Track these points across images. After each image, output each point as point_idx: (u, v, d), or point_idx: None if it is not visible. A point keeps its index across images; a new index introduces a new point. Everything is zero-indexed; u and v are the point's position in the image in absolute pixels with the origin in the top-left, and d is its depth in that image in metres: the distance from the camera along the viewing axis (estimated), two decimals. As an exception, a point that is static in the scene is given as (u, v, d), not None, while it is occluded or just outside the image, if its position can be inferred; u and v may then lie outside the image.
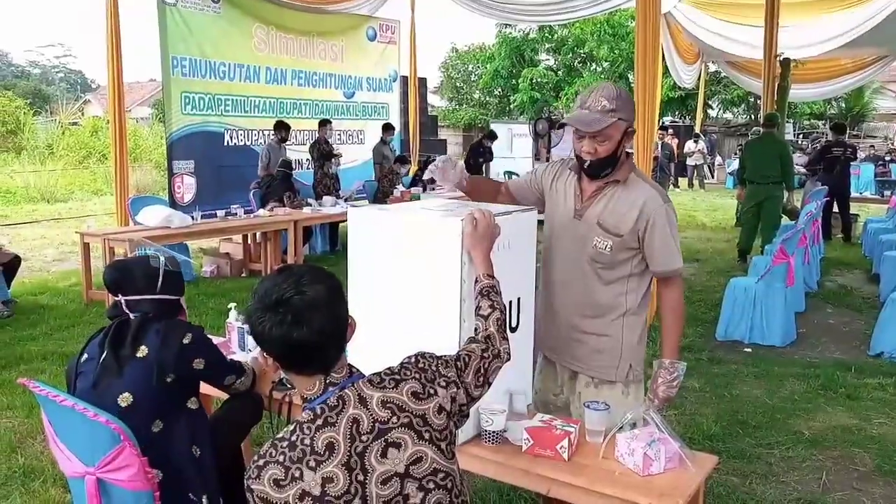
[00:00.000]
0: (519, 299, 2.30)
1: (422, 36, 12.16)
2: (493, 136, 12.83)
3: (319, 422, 1.41)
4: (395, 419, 1.44)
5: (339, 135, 11.17)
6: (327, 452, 1.39)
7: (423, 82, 13.64)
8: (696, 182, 19.18)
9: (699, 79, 17.30)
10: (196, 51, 8.89)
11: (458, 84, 33.98)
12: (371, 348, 2.30)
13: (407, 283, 2.18)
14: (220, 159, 9.25)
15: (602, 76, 26.36)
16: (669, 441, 2.03)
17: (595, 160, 2.24)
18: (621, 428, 2.12)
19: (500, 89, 30.06)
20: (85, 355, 2.33)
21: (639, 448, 2.01)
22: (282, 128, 8.89)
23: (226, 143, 9.44)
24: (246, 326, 3.07)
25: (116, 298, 2.37)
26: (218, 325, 4.56)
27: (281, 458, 1.39)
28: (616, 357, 2.39)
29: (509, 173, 13.56)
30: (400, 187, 10.05)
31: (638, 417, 2.16)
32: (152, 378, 2.19)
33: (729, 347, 5.40)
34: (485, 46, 31.44)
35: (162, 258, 2.40)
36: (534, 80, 26.84)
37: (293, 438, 1.41)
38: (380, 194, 9.73)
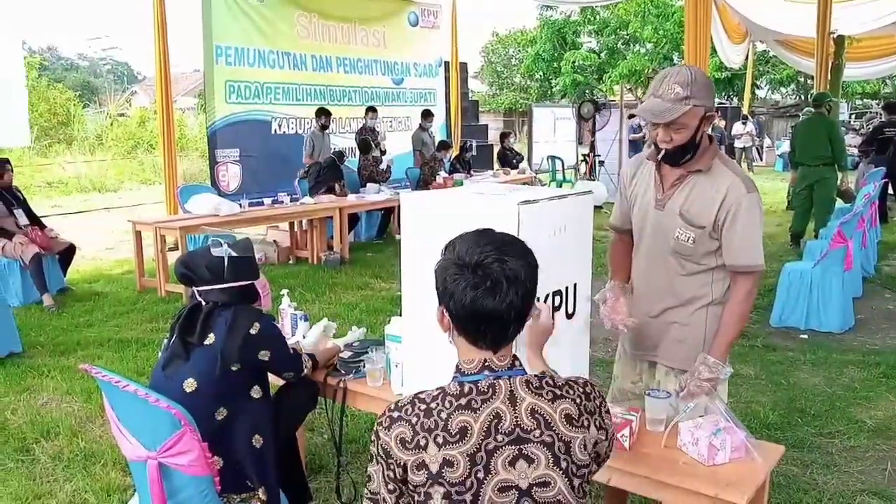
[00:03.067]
0: (575, 285, 2.26)
1: (462, 21, 12.09)
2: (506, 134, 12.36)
3: (462, 401, 1.38)
4: (537, 432, 1.37)
5: (390, 122, 11.19)
6: (458, 436, 1.35)
7: (464, 67, 13.53)
8: (744, 165, 18.74)
9: (747, 59, 16.86)
10: (242, 39, 8.96)
11: (498, 69, 33.75)
12: (425, 336, 2.30)
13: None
14: (267, 147, 9.32)
15: (646, 58, 25.87)
16: (735, 430, 1.98)
17: (671, 149, 2.16)
18: (684, 416, 2.07)
19: (541, 73, 29.73)
20: (165, 339, 2.38)
21: (703, 437, 1.96)
22: (322, 115, 8.93)
23: (273, 132, 9.51)
24: (297, 314, 3.11)
25: (192, 289, 2.40)
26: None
27: (414, 420, 1.37)
28: (698, 347, 2.26)
29: (552, 158, 13.44)
30: (442, 173, 10.03)
31: (701, 407, 2.10)
32: (216, 366, 2.22)
33: (784, 334, 5.26)
34: (526, 30, 31.14)
35: (226, 246, 2.40)
36: (576, 63, 26.49)
37: (432, 405, 1.38)
38: (422, 182, 9.72)
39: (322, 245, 8.02)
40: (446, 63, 12.52)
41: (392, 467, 1.38)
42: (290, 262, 7.98)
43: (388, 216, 9.50)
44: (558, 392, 1.41)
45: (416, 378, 2.40)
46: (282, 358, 2.41)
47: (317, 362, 2.67)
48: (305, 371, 2.55)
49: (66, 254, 6.55)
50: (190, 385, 2.21)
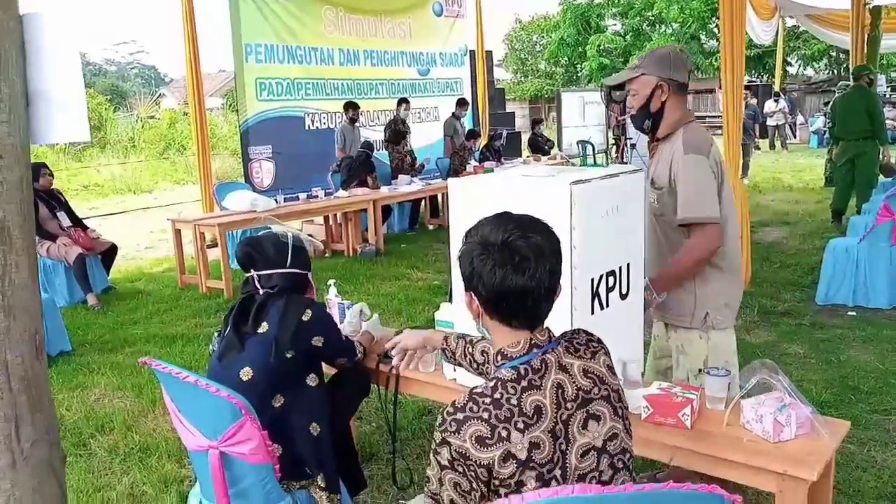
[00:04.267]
0: (628, 265, 2.24)
1: (485, 8, 12.02)
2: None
3: (524, 383, 1.38)
4: (596, 390, 1.41)
5: (417, 113, 11.19)
6: (536, 416, 1.35)
7: (489, 55, 13.45)
8: (777, 143, 18.42)
9: (777, 35, 16.52)
10: (272, 36, 9.00)
11: (522, 56, 33.53)
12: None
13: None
14: (300, 143, 9.37)
15: (672, 38, 25.52)
16: (800, 406, 1.94)
17: (633, 113, 2.53)
18: (746, 394, 2.04)
19: (566, 58, 29.49)
20: (215, 332, 2.42)
21: (767, 414, 1.93)
22: (350, 108, 8.95)
23: (306, 127, 9.57)
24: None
25: (249, 274, 2.42)
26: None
27: (485, 415, 1.34)
28: (690, 305, 2.50)
29: (582, 143, 13.31)
30: (472, 162, 10.01)
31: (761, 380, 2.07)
32: (272, 354, 2.24)
33: (831, 311, 5.16)
34: (549, 16, 30.88)
35: (289, 234, 2.45)
36: (601, 47, 26.24)
37: (496, 396, 1.37)
38: (452, 172, 9.71)
39: (357, 237, 8.06)
40: (471, 52, 12.47)
41: (472, 469, 1.33)
42: (327, 255, 8.03)
43: (417, 207, 9.52)
44: (593, 347, 1.48)
45: (469, 363, 2.40)
46: (334, 343, 2.43)
47: (364, 349, 2.68)
48: (359, 356, 2.57)
49: (109, 254, 6.67)
50: (246, 374, 2.24)
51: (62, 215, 6.39)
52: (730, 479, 1.92)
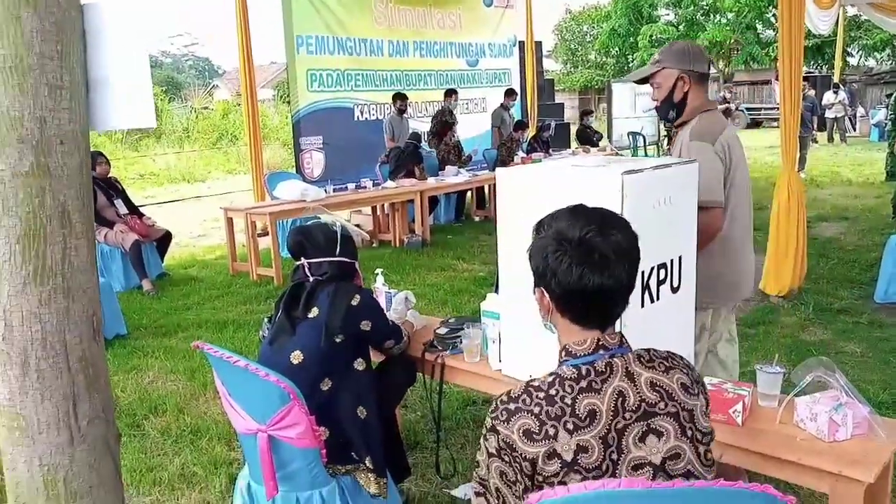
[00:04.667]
0: (680, 258, 2.20)
1: (536, -1, 11.91)
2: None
3: (583, 384, 1.34)
4: (662, 404, 1.34)
5: (466, 104, 11.17)
6: (588, 419, 1.31)
7: (538, 46, 13.34)
8: (836, 136, 17.85)
9: (836, 24, 15.96)
10: (322, 28, 9.08)
11: (572, 46, 33.15)
12: (523, 311, 2.28)
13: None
14: (350, 134, 9.44)
15: (727, 28, 24.92)
16: (857, 405, 1.88)
17: (657, 105, 2.68)
18: (800, 392, 1.99)
19: (617, 49, 29.06)
20: (265, 318, 2.48)
21: (823, 413, 1.87)
22: (399, 99, 8.97)
23: (355, 118, 9.63)
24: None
25: (299, 262, 2.46)
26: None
27: (536, 410, 1.32)
28: (714, 279, 2.53)
29: (633, 134, 13.14)
30: (520, 153, 9.95)
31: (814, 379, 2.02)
32: (322, 338, 2.29)
33: (890, 310, 4.98)
34: (600, 6, 30.46)
35: (338, 223, 2.49)
36: (653, 37, 25.75)
37: (551, 392, 1.34)
38: (499, 162, 9.66)
39: (404, 228, 8.10)
40: (521, 43, 12.38)
41: (518, 461, 1.32)
42: (374, 245, 8.09)
43: (463, 198, 9.51)
44: (668, 363, 1.39)
45: (514, 353, 2.39)
46: (382, 328, 2.47)
47: (409, 336, 2.71)
48: (405, 340, 2.59)
49: (163, 241, 6.84)
50: (296, 357, 2.28)
51: (119, 203, 6.58)
52: (781, 479, 1.88)
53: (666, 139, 12.22)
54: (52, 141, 1.38)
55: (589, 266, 1.33)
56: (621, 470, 1.31)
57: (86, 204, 1.45)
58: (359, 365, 2.39)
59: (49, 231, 1.39)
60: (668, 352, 1.44)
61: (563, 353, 1.41)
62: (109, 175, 6.69)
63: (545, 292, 1.41)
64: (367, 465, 2.27)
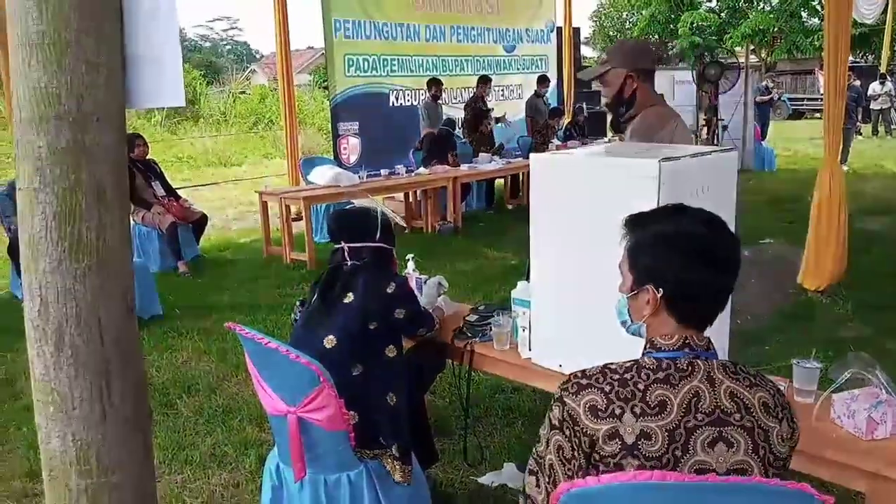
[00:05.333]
0: (717, 248, 2.15)
1: (575, -15, 11.76)
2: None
3: (660, 375, 1.34)
4: (738, 416, 1.31)
5: (502, 90, 11.08)
6: (657, 409, 1.30)
7: (576, 32, 13.16)
8: (881, 128, 17.37)
9: (884, 13, 15.50)
10: (359, 12, 9.06)
11: (611, 33, 32.72)
12: (555, 299, 2.26)
13: (597, 231, 2.09)
14: (385, 119, 9.42)
15: (771, 16, 24.32)
16: (898, 403, 1.83)
17: (608, 102, 2.84)
18: (838, 388, 1.94)
19: (656, 36, 28.56)
20: (298, 301, 2.51)
21: (861, 410, 1.82)
22: (434, 85, 8.93)
23: (390, 104, 9.62)
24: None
25: (339, 246, 2.47)
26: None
27: (607, 389, 1.33)
28: None
29: (670, 124, 12.89)
30: (555, 141, 9.85)
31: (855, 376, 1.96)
32: (356, 323, 2.30)
33: (936, 306, 4.85)
34: (640, -8, 29.91)
35: (380, 209, 2.49)
36: (694, 25, 25.24)
37: (626, 376, 1.34)
38: (533, 150, 9.58)
39: (436, 215, 8.09)
40: (558, 29, 12.24)
41: (578, 436, 1.33)
42: (406, 231, 8.09)
43: (492, 186, 9.46)
44: (754, 380, 1.37)
45: (545, 342, 2.37)
46: (415, 316, 2.47)
47: (439, 323, 2.70)
48: (437, 327, 2.59)
49: (199, 223, 6.92)
50: (330, 341, 2.29)
51: (157, 185, 6.67)
52: (816, 477, 1.83)
53: (705, 128, 11.98)
54: (89, 118, 1.39)
55: (719, 264, 1.37)
56: (683, 469, 1.29)
57: (121, 181, 1.46)
58: (390, 352, 2.39)
59: (84, 208, 1.40)
60: (758, 371, 1.42)
61: (648, 346, 1.42)
62: (148, 157, 6.78)
63: (652, 290, 1.40)
64: (394, 452, 2.27)
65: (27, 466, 3.14)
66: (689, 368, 1.34)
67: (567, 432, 1.34)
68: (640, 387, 1.32)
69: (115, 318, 1.48)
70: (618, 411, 1.30)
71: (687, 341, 1.38)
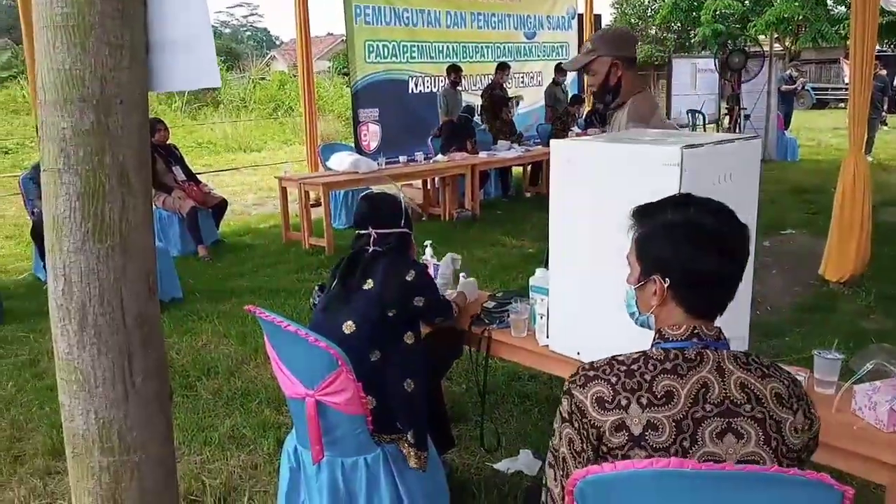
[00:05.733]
0: (739, 237, 2.13)
1: (597, -29, 11.64)
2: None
3: (668, 365, 1.33)
4: (748, 406, 1.30)
5: (522, 77, 11.02)
6: (664, 399, 1.30)
7: (597, 19, 13.04)
8: (908, 118, 17.07)
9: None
10: (381, -2, 9.03)
11: (632, 20, 32.36)
12: (573, 287, 2.25)
13: (616, 219, 2.07)
14: (405, 106, 9.40)
15: (796, 3, 23.93)
16: (921, 396, 1.81)
17: (594, 90, 2.90)
18: (859, 379, 1.92)
19: (679, 23, 28.25)
20: (316, 286, 2.51)
21: (883, 401, 1.81)
22: (453, 72, 8.89)
23: (410, 91, 9.60)
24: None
25: (364, 231, 2.48)
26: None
27: (614, 380, 1.33)
28: None
29: (692, 112, 12.80)
30: (575, 129, 9.79)
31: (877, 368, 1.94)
32: (375, 310, 2.31)
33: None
34: (663, -21, 29.55)
35: (400, 194, 2.50)
36: (717, 12, 24.92)
37: (633, 367, 1.34)
38: (553, 138, 9.53)
39: (454, 202, 8.09)
40: (580, 16, 12.14)
41: (586, 428, 1.33)
42: (424, 218, 8.10)
43: (509, 174, 9.42)
44: (766, 371, 1.35)
45: (562, 330, 2.37)
46: (434, 304, 2.48)
47: (458, 309, 2.71)
48: (455, 315, 2.60)
49: (219, 208, 6.98)
50: (349, 327, 2.30)
51: (177, 170, 6.72)
52: (835, 468, 1.82)
53: (727, 117, 11.85)
54: (112, 100, 1.40)
55: (726, 254, 1.36)
56: (691, 459, 1.28)
57: (143, 164, 1.48)
58: (408, 338, 2.40)
59: (108, 189, 1.41)
60: (772, 361, 1.40)
61: (657, 336, 1.41)
62: (168, 142, 6.83)
63: (659, 280, 1.39)
64: (409, 438, 2.29)
65: (50, 445, 3.20)
66: (698, 359, 1.33)
67: (576, 424, 1.34)
68: (647, 377, 1.32)
69: (137, 299, 1.50)
70: (624, 402, 1.30)
71: (696, 331, 1.37)
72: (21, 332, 4.64)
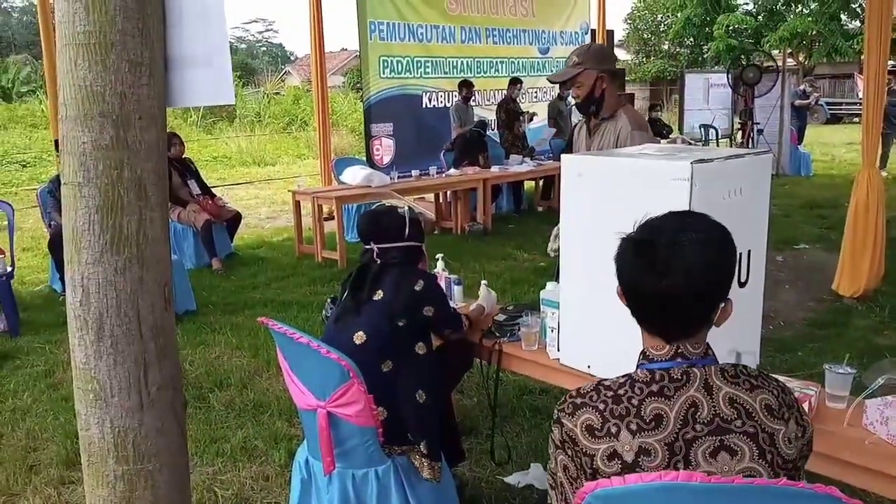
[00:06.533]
0: (749, 252, 2.14)
1: (609, -13, 11.70)
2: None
3: (654, 388, 1.30)
4: (739, 422, 1.27)
5: (535, 92, 11.08)
6: (653, 423, 1.28)
7: (610, 35, 13.09)
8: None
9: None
10: (394, 14, 9.11)
11: (645, 36, 32.45)
12: (584, 301, 2.26)
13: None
14: (419, 121, 9.46)
15: (809, 19, 23.93)
16: (933, 411, 1.80)
17: (578, 102, 3.06)
18: (870, 394, 1.92)
19: (691, 38, 28.29)
20: (329, 298, 2.53)
21: (894, 416, 1.80)
22: (465, 87, 8.95)
23: (424, 105, 9.66)
24: (453, 276, 3.15)
25: (368, 247, 2.51)
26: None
27: (601, 406, 1.31)
28: None
29: (705, 126, 12.79)
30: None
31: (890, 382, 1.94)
32: (384, 320, 2.32)
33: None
34: (675, -6, 29.63)
35: (406, 207, 2.53)
36: (730, 27, 24.95)
37: (620, 392, 1.32)
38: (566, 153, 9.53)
39: (466, 216, 8.11)
40: (592, 31, 12.19)
41: (579, 456, 1.31)
42: (436, 232, 8.13)
43: (521, 188, 9.44)
44: (755, 382, 1.32)
45: (573, 343, 2.37)
46: (444, 315, 2.49)
47: (470, 323, 2.72)
48: (464, 329, 2.61)
49: (233, 221, 7.03)
50: (359, 338, 2.32)
51: (192, 183, 6.79)
52: (846, 483, 1.81)
53: (739, 132, 11.83)
54: (132, 116, 1.43)
55: (645, 268, 1.30)
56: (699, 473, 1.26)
57: (161, 178, 1.51)
58: (419, 349, 2.41)
59: (126, 202, 1.45)
60: (759, 371, 1.38)
61: (641, 357, 1.39)
62: (184, 156, 6.90)
63: (623, 295, 1.39)
64: (422, 449, 2.29)
65: (64, 455, 3.23)
66: (685, 378, 1.31)
67: (569, 452, 1.33)
68: (634, 402, 1.30)
69: (153, 310, 1.53)
70: (613, 430, 1.28)
71: (679, 350, 1.34)
72: (37, 343, 4.69)
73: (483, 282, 3.06)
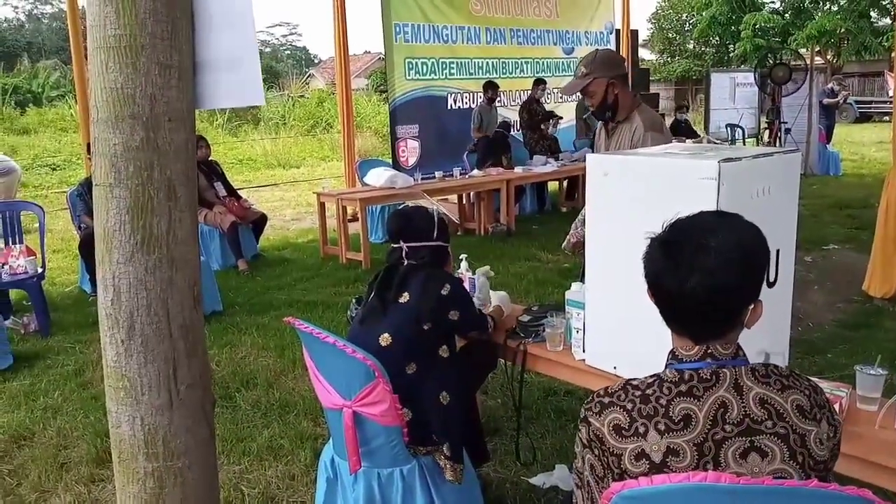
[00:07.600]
0: (778, 251, 2.11)
1: (633, -13, 11.64)
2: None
3: (683, 388, 1.29)
4: (769, 423, 1.26)
5: (560, 93, 11.05)
6: (682, 423, 1.27)
7: (634, 35, 13.01)
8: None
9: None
10: (419, 16, 9.13)
11: (670, 35, 32.20)
12: (609, 302, 2.25)
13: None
14: (444, 122, 9.48)
15: (838, 16, 23.56)
16: (968, 413, 1.76)
17: (594, 110, 3.12)
18: (903, 396, 1.88)
19: (717, 38, 28.02)
20: (353, 299, 2.54)
21: (928, 419, 1.77)
22: (490, 88, 8.94)
23: (448, 107, 9.67)
24: (471, 274, 3.15)
25: (397, 245, 2.52)
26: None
27: (629, 406, 1.31)
28: None
29: (731, 126, 12.65)
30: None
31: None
32: (410, 323, 2.33)
33: None
34: (701, -7, 29.36)
35: (434, 207, 2.54)
36: (757, 26, 24.66)
37: (648, 392, 1.31)
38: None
39: (489, 217, 8.11)
40: (616, 31, 12.13)
41: (606, 455, 1.31)
42: (459, 233, 8.14)
43: (545, 189, 9.41)
44: (786, 382, 1.30)
45: (599, 344, 2.36)
46: (469, 318, 2.49)
47: (494, 323, 2.72)
48: (490, 329, 2.61)
49: (259, 223, 7.10)
50: (385, 339, 2.33)
51: (219, 185, 6.87)
52: (878, 486, 1.78)
53: (766, 132, 11.68)
54: (161, 118, 1.45)
55: (670, 270, 1.30)
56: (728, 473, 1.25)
57: (190, 179, 1.53)
58: (443, 352, 2.41)
59: (156, 203, 1.47)
60: (791, 370, 1.36)
61: (670, 357, 1.37)
62: (210, 158, 6.98)
63: (651, 294, 1.38)
64: (445, 451, 2.30)
65: (94, 453, 3.28)
66: (714, 378, 1.30)
67: (596, 451, 1.32)
68: (663, 402, 1.29)
69: (182, 309, 1.55)
70: (641, 429, 1.27)
71: (709, 351, 1.32)
72: (67, 343, 4.77)
73: (481, 275, 3.07)
